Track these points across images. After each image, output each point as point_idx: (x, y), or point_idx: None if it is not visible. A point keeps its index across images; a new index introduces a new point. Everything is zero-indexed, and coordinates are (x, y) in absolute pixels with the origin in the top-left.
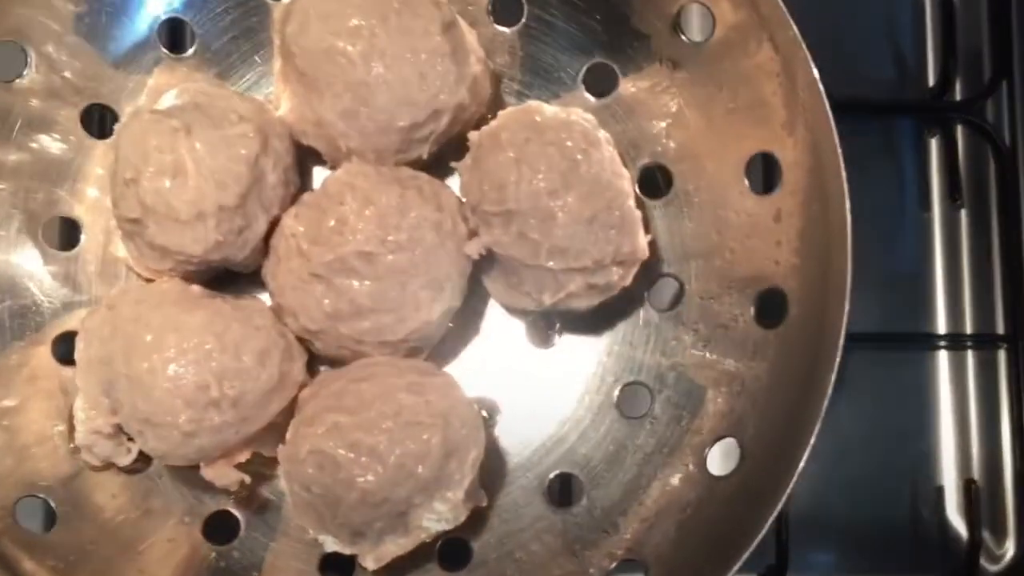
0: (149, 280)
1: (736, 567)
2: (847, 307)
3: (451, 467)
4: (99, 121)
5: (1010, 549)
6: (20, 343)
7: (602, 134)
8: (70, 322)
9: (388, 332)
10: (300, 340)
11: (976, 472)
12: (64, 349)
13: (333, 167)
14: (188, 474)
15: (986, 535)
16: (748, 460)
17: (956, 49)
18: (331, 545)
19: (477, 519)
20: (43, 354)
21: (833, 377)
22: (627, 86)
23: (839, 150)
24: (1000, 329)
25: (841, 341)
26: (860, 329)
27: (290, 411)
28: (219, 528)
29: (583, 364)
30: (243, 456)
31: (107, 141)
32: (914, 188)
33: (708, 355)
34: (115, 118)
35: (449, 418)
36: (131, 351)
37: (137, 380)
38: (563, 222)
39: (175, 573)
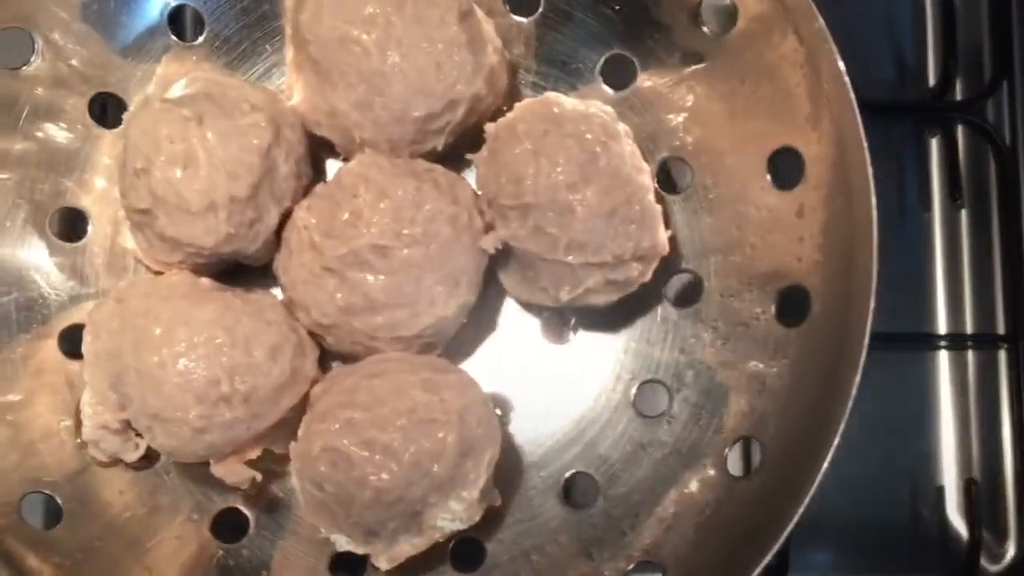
0: (158, 273)
1: (757, 571)
2: (872, 305)
3: (467, 466)
4: (107, 110)
5: (1010, 549)
6: (26, 336)
7: (621, 127)
8: (77, 315)
9: (402, 328)
10: (312, 335)
11: (976, 472)
12: (71, 343)
13: (346, 158)
14: (196, 470)
15: (986, 535)
16: (769, 461)
17: (956, 49)
18: (343, 545)
19: (491, 519)
20: (50, 347)
21: (858, 378)
22: (646, 78)
23: (865, 144)
24: (1000, 329)
25: (866, 340)
26: None
27: (301, 407)
28: (228, 526)
29: (599, 361)
30: (254, 453)
31: (115, 131)
32: (914, 188)
33: (728, 353)
34: (123, 107)
35: (465, 416)
36: (140, 345)
37: (146, 374)
38: (582, 216)
39: (183, 571)
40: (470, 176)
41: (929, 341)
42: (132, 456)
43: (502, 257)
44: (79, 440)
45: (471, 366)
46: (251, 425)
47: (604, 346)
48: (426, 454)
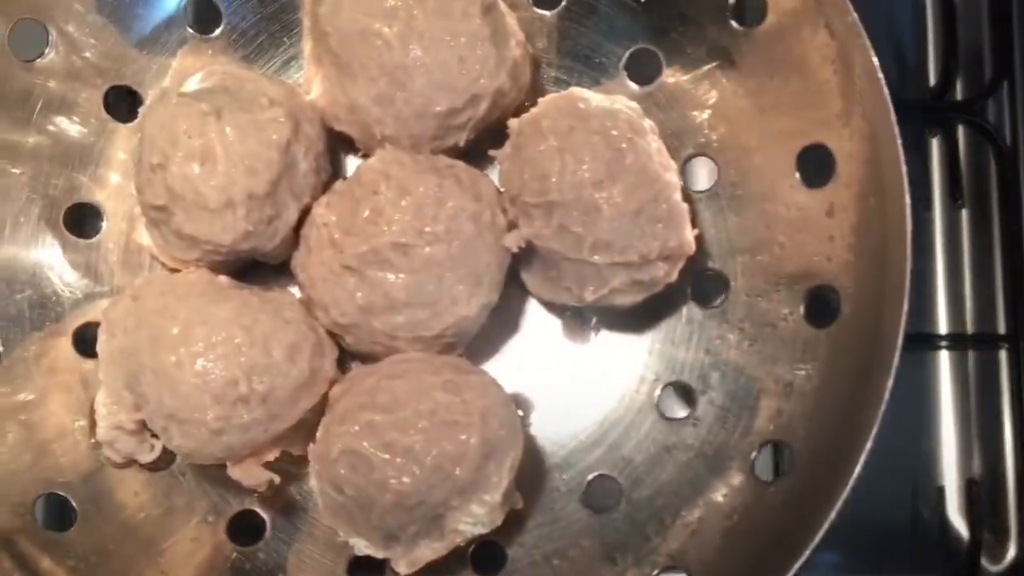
0: (174, 270)
1: None
2: (906, 306)
3: (489, 469)
4: (122, 104)
5: (1011, 549)
6: (40, 334)
7: (647, 123)
8: (91, 313)
9: (423, 327)
10: (331, 334)
11: (977, 472)
12: (85, 341)
13: (366, 154)
14: (212, 472)
15: (987, 535)
16: (798, 466)
17: (957, 49)
18: (362, 549)
19: (512, 523)
20: (63, 346)
21: (891, 381)
22: (671, 73)
23: (899, 140)
24: (1001, 329)
25: (899, 342)
26: None
27: (320, 408)
28: (244, 528)
29: (622, 362)
30: (271, 455)
31: (130, 125)
32: (915, 188)
33: (754, 355)
34: (138, 101)
35: (487, 418)
36: (157, 344)
37: (163, 374)
38: (608, 215)
39: (198, 573)
40: (492, 173)
41: (929, 341)
42: (147, 457)
43: (524, 256)
44: (93, 440)
45: (492, 367)
46: (269, 426)
47: (628, 347)
48: (448, 457)
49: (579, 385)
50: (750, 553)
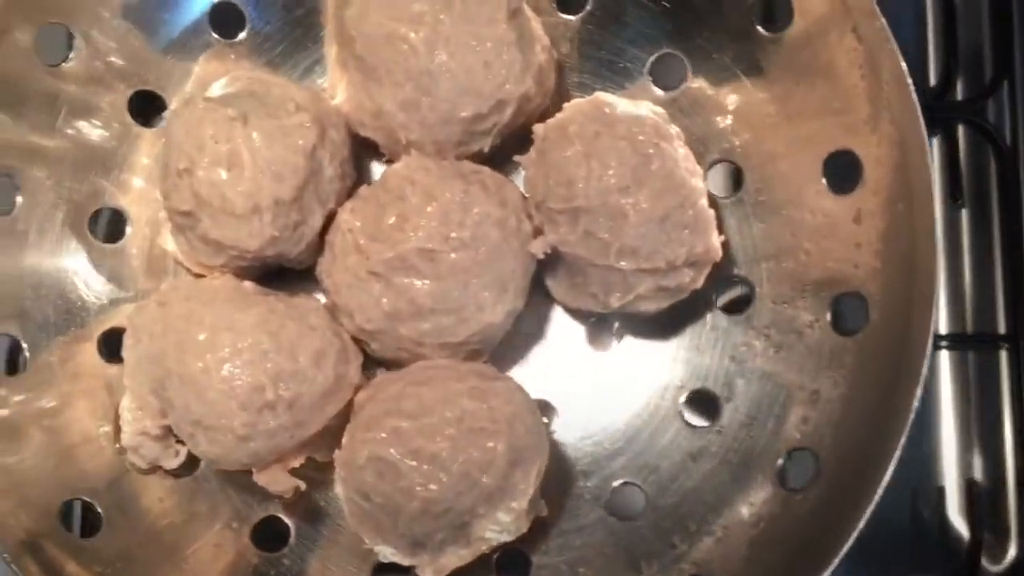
0: (199, 275)
1: None
2: (935, 314)
3: (516, 476)
4: (145, 108)
5: (1012, 549)
6: (65, 339)
7: (673, 129)
8: (116, 318)
9: (449, 334)
10: (355, 340)
11: (977, 472)
12: (109, 346)
13: (390, 160)
14: (236, 478)
15: (987, 535)
16: (825, 474)
17: (957, 49)
18: (388, 556)
19: (536, 530)
20: (88, 351)
21: (919, 390)
22: (696, 79)
23: (927, 146)
24: (1001, 329)
25: (928, 350)
26: None
27: (345, 415)
28: (268, 534)
29: (647, 369)
30: (297, 461)
31: (154, 129)
32: None
33: (780, 362)
34: (162, 105)
35: (514, 425)
36: (183, 350)
37: (190, 380)
38: (634, 221)
39: None
40: (516, 179)
41: None
42: (172, 463)
43: (549, 262)
44: (118, 446)
45: (516, 373)
46: (295, 433)
47: (652, 354)
48: (475, 464)
49: (603, 392)
50: (776, 561)
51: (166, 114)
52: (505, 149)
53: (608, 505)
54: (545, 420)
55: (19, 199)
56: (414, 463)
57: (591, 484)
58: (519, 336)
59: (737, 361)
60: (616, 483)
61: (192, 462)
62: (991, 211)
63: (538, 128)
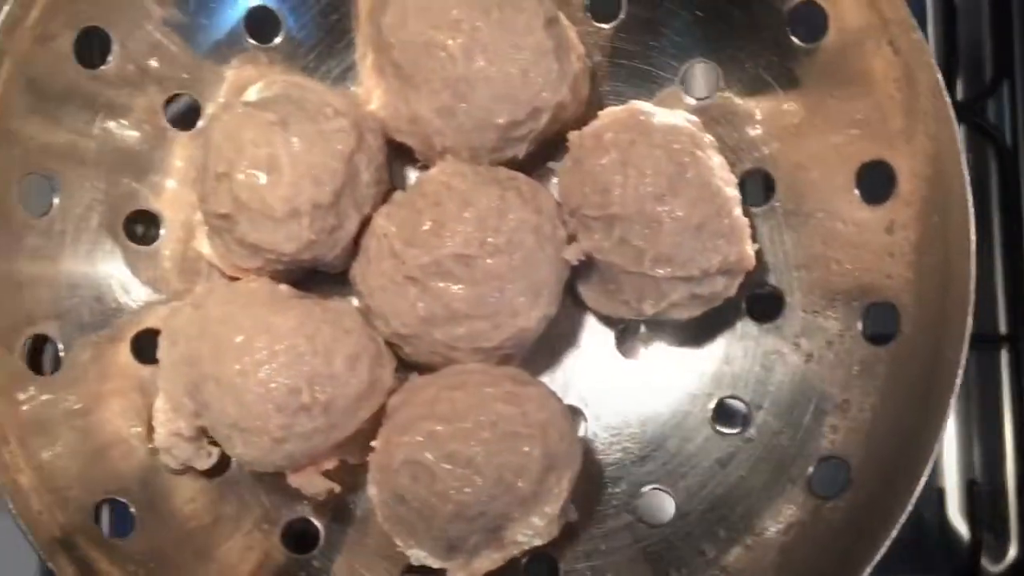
0: (232, 278)
1: None
2: (969, 325)
3: (550, 481)
4: (181, 112)
5: (1012, 549)
6: (99, 340)
7: (708, 138)
8: (149, 320)
9: (483, 339)
10: (388, 344)
11: (978, 473)
12: (142, 347)
13: (424, 165)
14: (267, 479)
15: (988, 535)
16: (856, 483)
17: (957, 49)
18: (420, 558)
19: (564, 534)
20: (122, 352)
21: (953, 400)
22: (728, 88)
23: (964, 160)
24: (1002, 329)
25: (962, 360)
26: None
27: (377, 418)
28: (298, 536)
29: (676, 376)
30: (330, 464)
31: (189, 132)
32: None
33: (811, 371)
34: (197, 109)
35: (548, 430)
36: (220, 353)
37: (227, 383)
38: (670, 229)
39: None
40: (548, 184)
41: None
42: (204, 464)
43: (582, 268)
44: (150, 446)
45: (545, 378)
46: (329, 435)
47: (682, 361)
48: (510, 468)
49: (632, 398)
50: (808, 570)
51: (202, 118)
52: (537, 155)
53: (636, 511)
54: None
55: (56, 201)
56: (449, 467)
57: (619, 490)
58: (548, 341)
59: (767, 369)
60: (645, 489)
61: (223, 463)
62: (991, 211)
63: (574, 136)
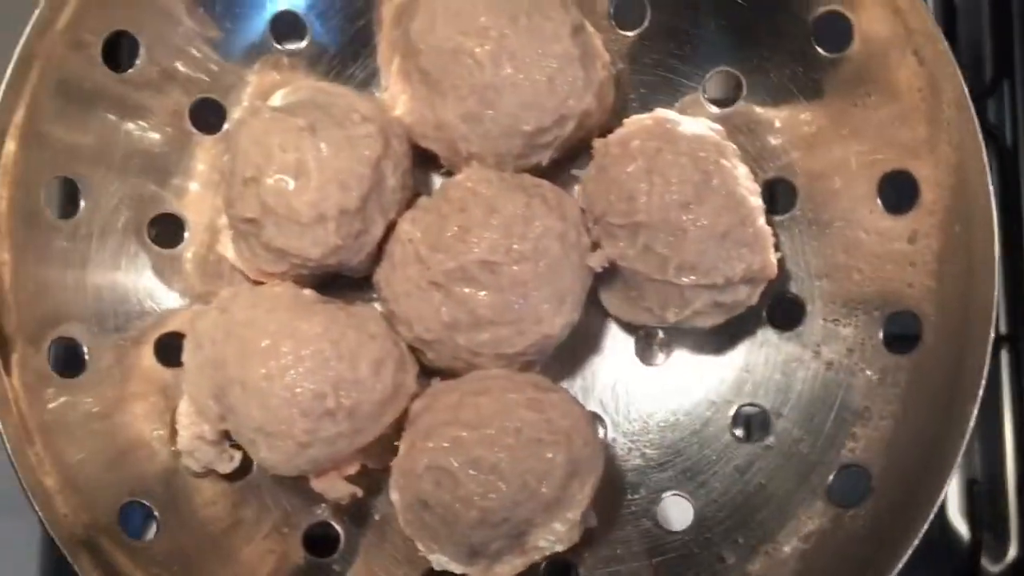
0: (256, 282)
1: None
2: (992, 336)
3: (573, 487)
4: (206, 115)
5: (1012, 549)
6: (123, 343)
7: (732, 146)
8: (172, 323)
9: (506, 345)
10: (411, 349)
11: (978, 472)
12: (165, 350)
13: (449, 171)
14: (288, 483)
15: (988, 535)
16: (877, 492)
17: (957, 48)
18: (442, 564)
19: (583, 540)
20: (145, 355)
21: (975, 410)
22: (752, 97)
23: (988, 170)
24: (1002, 329)
25: (985, 369)
26: None
27: (399, 423)
28: (319, 540)
29: (696, 383)
30: (352, 468)
31: (213, 136)
32: None
33: (831, 380)
34: (222, 112)
35: (571, 436)
36: (246, 357)
37: (253, 387)
38: (694, 237)
39: None
40: (570, 191)
41: None
42: (226, 467)
43: (605, 275)
44: (173, 449)
45: (565, 384)
46: (353, 440)
47: (702, 368)
48: (534, 474)
49: (651, 405)
50: None
51: (227, 122)
52: (561, 162)
53: (655, 517)
54: None
55: (83, 203)
56: (474, 472)
57: (639, 496)
58: (568, 346)
59: (787, 376)
60: (664, 495)
61: (245, 467)
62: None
63: (599, 143)
